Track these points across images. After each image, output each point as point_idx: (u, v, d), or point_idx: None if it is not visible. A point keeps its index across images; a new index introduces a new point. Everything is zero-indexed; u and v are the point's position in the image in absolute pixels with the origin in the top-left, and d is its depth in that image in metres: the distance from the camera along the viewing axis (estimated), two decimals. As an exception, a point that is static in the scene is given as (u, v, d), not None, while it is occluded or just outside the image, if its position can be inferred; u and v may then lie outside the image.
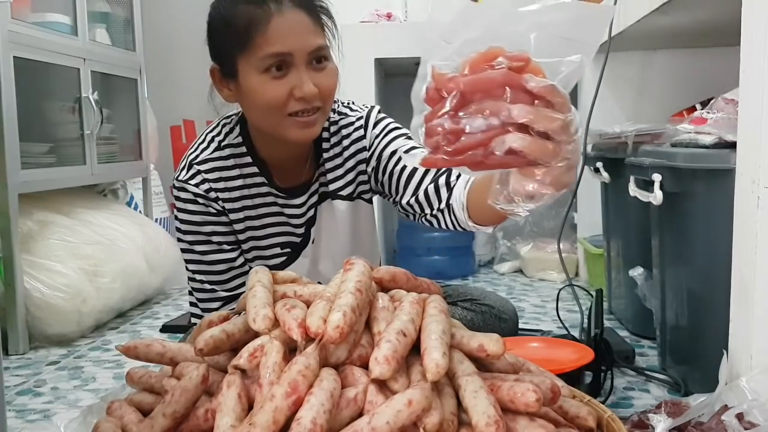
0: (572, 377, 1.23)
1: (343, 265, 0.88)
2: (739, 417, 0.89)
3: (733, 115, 1.14)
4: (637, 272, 1.55)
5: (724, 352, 1.08)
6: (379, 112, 1.31)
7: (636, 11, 1.65)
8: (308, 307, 0.83)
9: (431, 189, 1.20)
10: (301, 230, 1.31)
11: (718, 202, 1.15)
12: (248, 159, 1.26)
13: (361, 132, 1.29)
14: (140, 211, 2.72)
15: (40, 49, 1.99)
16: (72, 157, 2.20)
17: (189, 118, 3.25)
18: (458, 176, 1.17)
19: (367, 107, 1.32)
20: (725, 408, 0.92)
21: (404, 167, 1.24)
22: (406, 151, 1.24)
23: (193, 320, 1.31)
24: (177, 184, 1.25)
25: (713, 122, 1.22)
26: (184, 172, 1.25)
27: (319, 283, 1.31)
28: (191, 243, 1.25)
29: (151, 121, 2.85)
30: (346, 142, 1.29)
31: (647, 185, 1.32)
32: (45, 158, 2.06)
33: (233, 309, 0.98)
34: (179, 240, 1.27)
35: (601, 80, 1.92)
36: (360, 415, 0.72)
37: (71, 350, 1.83)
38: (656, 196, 1.28)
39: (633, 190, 1.39)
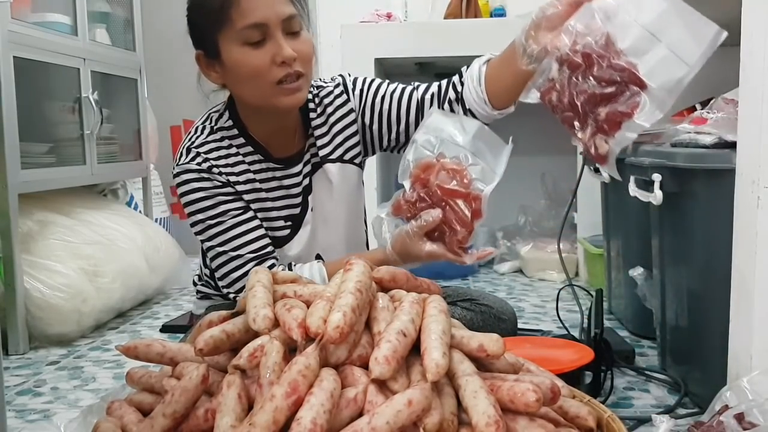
0: (572, 377, 1.23)
1: (344, 266, 0.88)
2: (739, 417, 0.89)
3: (733, 115, 1.14)
4: (637, 272, 1.55)
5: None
6: (349, 75, 1.39)
7: (636, 11, 1.65)
8: (308, 307, 0.83)
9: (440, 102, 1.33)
10: (299, 200, 1.35)
11: (718, 202, 1.14)
12: (241, 139, 1.30)
13: (344, 97, 1.37)
14: (140, 211, 2.72)
15: (40, 49, 1.99)
16: (72, 157, 2.20)
17: (189, 118, 3.25)
18: (461, 81, 1.32)
19: (337, 76, 1.40)
20: (725, 408, 0.92)
21: (408, 106, 1.34)
22: (400, 91, 1.36)
23: (235, 296, 1.31)
24: (178, 170, 1.27)
25: (713, 122, 1.23)
26: (183, 157, 1.28)
27: (318, 255, 1.35)
28: (205, 219, 1.27)
29: (151, 121, 2.85)
30: (330, 110, 1.36)
31: (647, 185, 1.32)
32: (45, 158, 2.06)
33: (234, 307, 0.98)
34: (193, 224, 1.29)
35: (601, 80, 1.92)
36: (360, 415, 0.72)
37: (71, 350, 1.83)
38: (656, 196, 1.28)
39: (633, 190, 1.39)
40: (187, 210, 1.29)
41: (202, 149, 1.27)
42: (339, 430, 0.70)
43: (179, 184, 1.28)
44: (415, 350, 0.79)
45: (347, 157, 1.38)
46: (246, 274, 1.26)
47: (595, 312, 1.45)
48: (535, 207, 2.79)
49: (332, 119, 1.36)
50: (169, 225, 2.99)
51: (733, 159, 1.09)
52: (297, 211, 1.35)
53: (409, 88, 1.36)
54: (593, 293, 1.53)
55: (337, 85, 1.38)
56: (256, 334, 0.83)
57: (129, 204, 2.70)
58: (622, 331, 1.80)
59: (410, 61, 2.56)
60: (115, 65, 2.46)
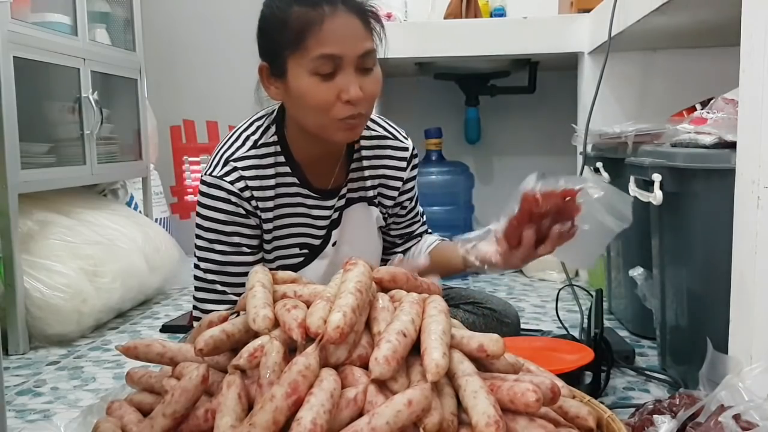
0: (572, 377, 1.23)
1: (343, 266, 0.88)
2: (737, 417, 0.89)
3: (733, 115, 1.14)
4: (637, 272, 1.55)
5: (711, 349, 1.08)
6: (416, 156, 1.41)
7: (636, 11, 1.65)
8: (308, 308, 0.83)
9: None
10: (322, 232, 1.32)
11: (718, 202, 1.14)
12: (282, 158, 1.26)
13: (404, 164, 1.37)
14: (140, 211, 2.72)
15: (40, 49, 1.99)
16: (72, 157, 2.20)
17: (189, 118, 3.25)
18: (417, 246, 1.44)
19: (410, 143, 1.39)
20: (723, 408, 0.92)
21: (406, 226, 1.44)
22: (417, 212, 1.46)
23: (196, 324, 1.30)
24: (210, 180, 1.22)
25: (713, 122, 1.22)
26: (219, 168, 1.23)
27: None
28: (211, 241, 1.24)
29: (151, 121, 2.85)
30: (387, 162, 1.35)
31: (647, 185, 1.32)
32: (45, 158, 2.06)
33: (232, 309, 0.98)
34: (198, 237, 1.25)
35: (601, 80, 1.92)
36: (360, 415, 0.72)
37: (71, 350, 1.83)
38: (656, 196, 1.28)
39: (633, 190, 1.39)
40: (198, 222, 1.24)
41: (240, 164, 1.22)
42: (339, 430, 0.70)
43: (204, 194, 1.23)
44: (415, 350, 0.79)
45: (376, 201, 1.37)
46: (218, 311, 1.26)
47: (595, 312, 1.45)
48: (535, 207, 2.79)
49: (387, 172, 1.35)
50: (169, 225, 2.99)
51: (733, 159, 1.09)
52: (317, 242, 1.32)
53: (412, 229, 1.45)
54: (593, 293, 1.53)
55: (405, 149, 1.37)
56: (256, 334, 0.83)
57: (129, 204, 2.70)
58: (622, 331, 1.80)
59: (410, 61, 2.56)
60: (115, 65, 2.46)
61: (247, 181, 1.22)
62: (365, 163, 1.33)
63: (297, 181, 1.27)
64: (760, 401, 0.91)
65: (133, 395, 0.90)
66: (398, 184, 1.36)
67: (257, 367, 0.78)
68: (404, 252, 1.45)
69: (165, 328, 2.01)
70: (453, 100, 2.96)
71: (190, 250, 1.30)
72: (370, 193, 1.35)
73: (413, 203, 1.43)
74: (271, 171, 1.25)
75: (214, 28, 3.15)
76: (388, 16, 2.61)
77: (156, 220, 2.80)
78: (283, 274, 0.97)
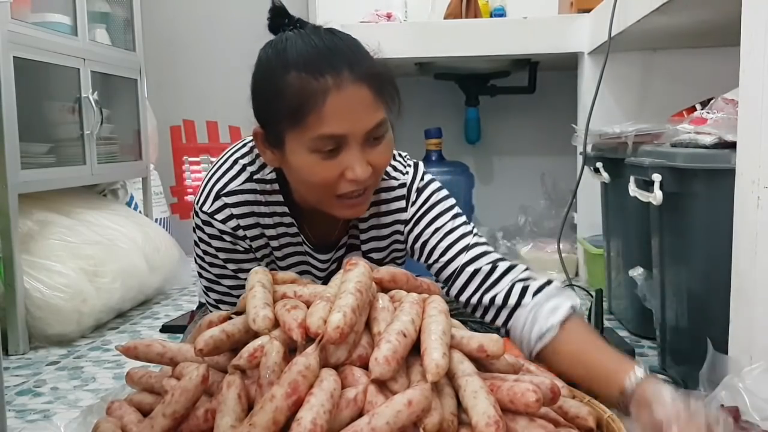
0: (572, 377, 1.23)
1: (344, 266, 0.88)
2: (736, 417, 0.89)
3: (733, 115, 1.14)
4: (637, 272, 1.55)
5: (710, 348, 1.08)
6: (422, 178, 1.20)
7: (636, 11, 1.65)
8: (308, 308, 0.83)
9: (484, 301, 1.12)
10: (320, 282, 1.23)
11: (718, 202, 1.15)
12: (280, 197, 1.15)
13: (402, 203, 1.18)
14: (140, 211, 2.72)
15: (40, 49, 1.99)
16: (72, 157, 2.20)
17: (189, 118, 3.25)
18: (514, 300, 1.09)
19: (409, 169, 1.20)
20: (723, 408, 0.92)
21: (447, 263, 1.13)
22: (452, 240, 1.15)
23: None
24: (202, 216, 1.13)
25: (713, 122, 1.23)
26: (209, 203, 1.12)
27: None
28: (218, 276, 1.17)
29: (151, 121, 2.85)
30: (383, 208, 1.19)
31: (647, 185, 1.32)
32: (45, 158, 2.06)
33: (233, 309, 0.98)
34: (202, 269, 1.17)
35: (601, 80, 1.92)
36: (360, 415, 0.72)
37: (71, 350, 1.83)
38: (656, 196, 1.28)
39: (633, 190, 1.39)
40: (203, 256, 1.16)
41: (230, 200, 1.11)
42: (339, 430, 0.70)
43: (199, 227, 1.14)
44: (415, 350, 0.79)
45: (389, 258, 1.24)
46: None
47: (595, 312, 1.45)
48: (535, 207, 2.79)
49: (384, 220, 1.19)
50: (169, 225, 2.99)
51: (733, 159, 1.09)
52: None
53: (459, 245, 1.14)
54: (593, 293, 1.53)
55: (402, 185, 1.18)
56: (256, 334, 0.83)
57: (129, 204, 2.70)
58: (622, 331, 1.80)
59: (410, 61, 2.56)
60: (115, 65, 2.46)
61: (239, 220, 1.12)
62: (364, 215, 1.18)
63: (294, 223, 1.17)
64: (760, 401, 0.91)
65: (133, 395, 0.90)
66: (403, 228, 1.19)
67: (257, 367, 0.78)
68: (479, 308, 1.14)
69: (165, 328, 2.01)
70: (453, 100, 2.96)
71: (190, 250, 1.29)
72: (378, 247, 1.23)
73: (443, 236, 1.15)
74: (265, 209, 1.15)
75: (214, 28, 3.15)
76: (388, 16, 2.62)
77: (156, 220, 2.80)
78: (283, 274, 0.97)
